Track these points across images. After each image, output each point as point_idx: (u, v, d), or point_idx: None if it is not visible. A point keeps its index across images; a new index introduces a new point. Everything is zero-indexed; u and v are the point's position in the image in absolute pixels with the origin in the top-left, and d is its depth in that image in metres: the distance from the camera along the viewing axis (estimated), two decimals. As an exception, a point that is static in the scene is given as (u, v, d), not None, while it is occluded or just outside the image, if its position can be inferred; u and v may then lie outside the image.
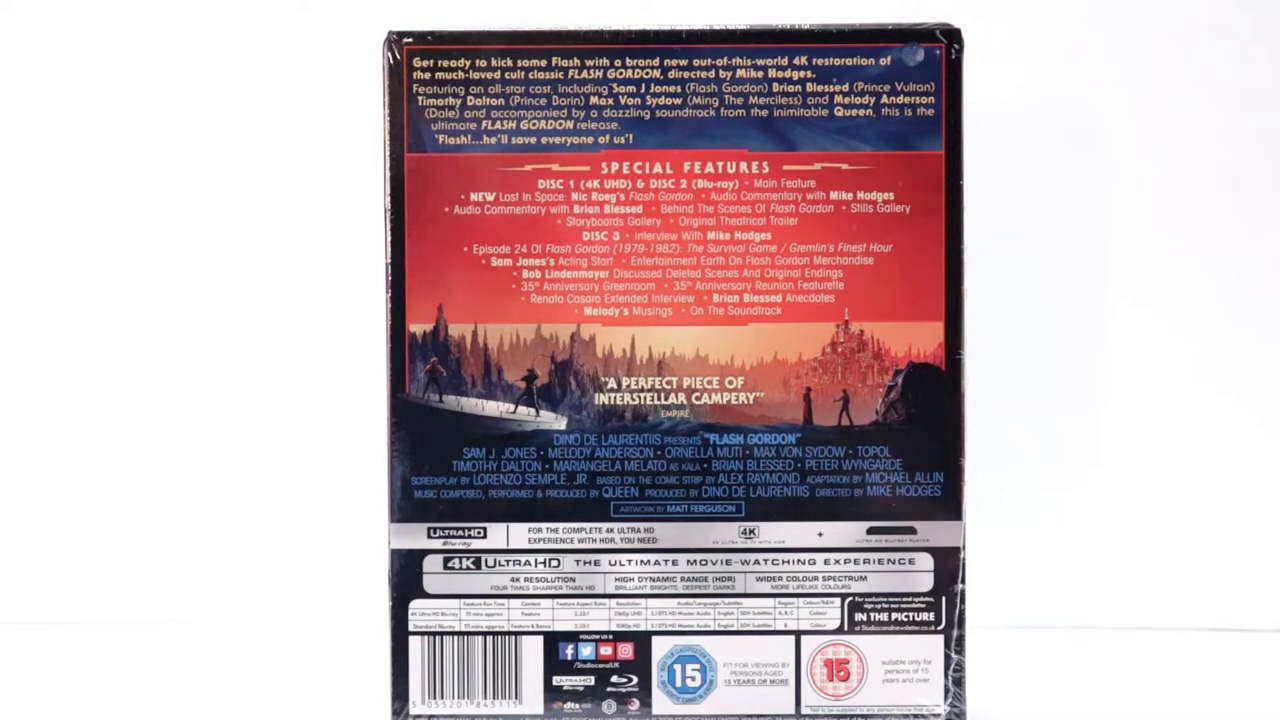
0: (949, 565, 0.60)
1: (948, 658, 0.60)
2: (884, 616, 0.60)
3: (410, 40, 0.58)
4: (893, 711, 0.60)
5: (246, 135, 0.80)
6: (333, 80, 0.77)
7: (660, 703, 0.60)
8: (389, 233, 0.59)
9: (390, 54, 0.59)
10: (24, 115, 0.80)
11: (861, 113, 0.59)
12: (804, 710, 0.60)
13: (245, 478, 0.81)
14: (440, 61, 0.59)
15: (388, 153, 0.59)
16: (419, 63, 0.59)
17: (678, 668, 0.60)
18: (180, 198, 0.80)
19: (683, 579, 0.60)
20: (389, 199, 0.59)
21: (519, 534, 0.60)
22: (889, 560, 0.60)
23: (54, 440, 0.81)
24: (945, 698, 0.60)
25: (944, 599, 0.60)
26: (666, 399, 0.60)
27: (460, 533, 0.60)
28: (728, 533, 0.60)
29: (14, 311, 0.81)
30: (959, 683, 0.60)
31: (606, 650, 0.60)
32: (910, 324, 0.59)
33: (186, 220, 0.80)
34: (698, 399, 0.59)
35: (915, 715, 0.60)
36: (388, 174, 0.59)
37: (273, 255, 0.80)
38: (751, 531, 0.60)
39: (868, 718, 0.60)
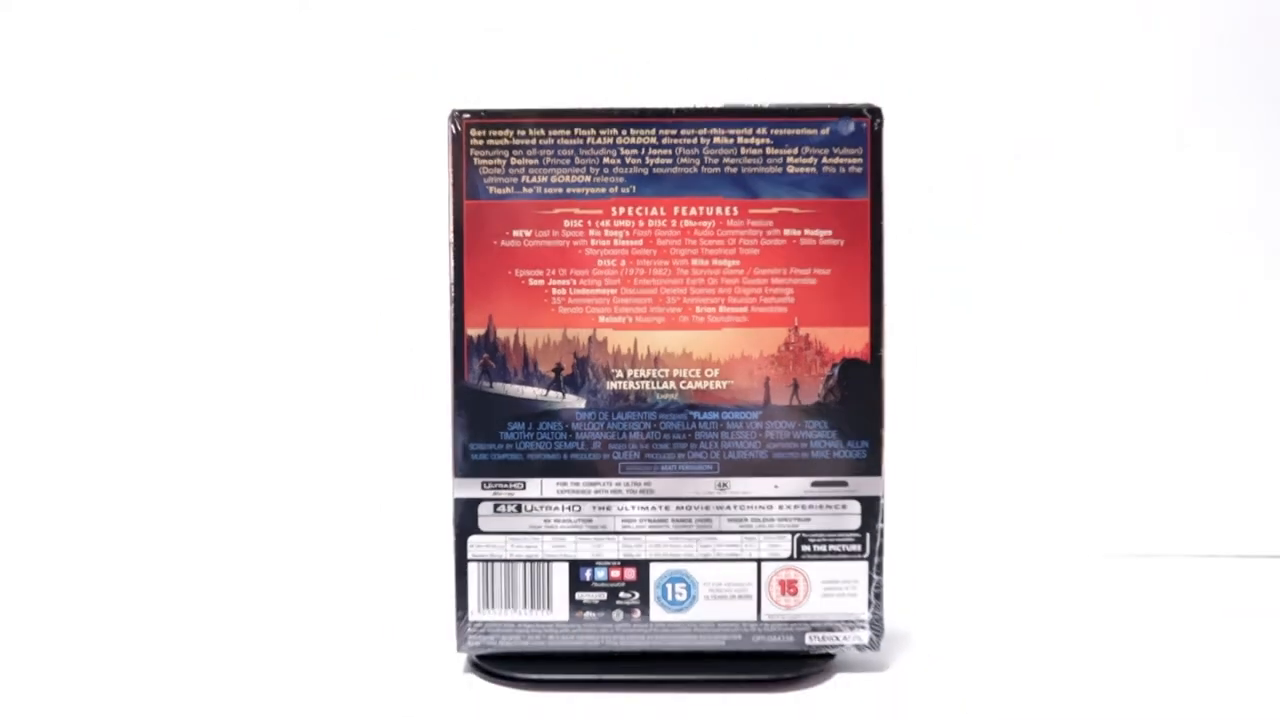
0: (873, 510, 0.64)
1: (870, 578, 0.64)
2: (824, 548, 0.64)
3: (468, 115, 0.63)
4: (829, 618, 0.64)
5: (350, 190, 0.88)
6: (412, 146, 0.81)
7: (656, 612, 0.64)
8: (452, 260, 0.63)
9: (453, 126, 0.63)
10: (143, 166, 0.88)
11: (808, 169, 0.63)
12: (763, 618, 0.64)
13: (349, 446, 0.89)
14: (491, 131, 0.63)
15: (451, 200, 0.63)
16: (475, 132, 0.63)
17: (669, 586, 0.64)
18: (298, 238, 0.88)
19: (673, 520, 0.64)
20: (453, 235, 0.63)
21: (550, 486, 0.64)
22: (827, 506, 0.64)
23: (185, 417, 0.90)
24: (869, 608, 0.65)
25: (868, 535, 0.64)
26: (661, 386, 0.63)
27: (506, 486, 0.63)
28: (706, 486, 0.64)
29: (133, 315, 0.89)
30: (879, 597, 0.64)
31: (616, 574, 0.64)
32: (844, 329, 0.63)
33: (305, 253, 0.88)
34: (684, 385, 0.63)
35: (846, 621, 0.64)
36: (451, 216, 0.63)
37: (368, 279, 0.88)
38: (724, 485, 0.64)
39: (811, 623, 0.64)
